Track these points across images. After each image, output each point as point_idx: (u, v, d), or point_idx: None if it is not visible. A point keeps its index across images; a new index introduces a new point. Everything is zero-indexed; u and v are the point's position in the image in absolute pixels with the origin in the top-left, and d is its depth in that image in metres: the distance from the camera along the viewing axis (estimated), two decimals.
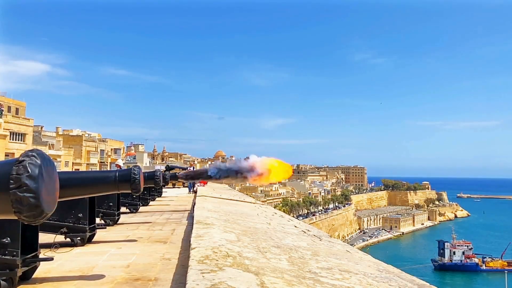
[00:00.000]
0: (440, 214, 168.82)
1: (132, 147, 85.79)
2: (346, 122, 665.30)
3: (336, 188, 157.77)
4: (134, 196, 12.25)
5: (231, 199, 14.70)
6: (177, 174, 11.48)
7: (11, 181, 2.89)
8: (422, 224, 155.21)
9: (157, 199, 17.83)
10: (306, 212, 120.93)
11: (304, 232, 7.95)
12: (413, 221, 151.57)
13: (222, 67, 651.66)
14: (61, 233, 6.33)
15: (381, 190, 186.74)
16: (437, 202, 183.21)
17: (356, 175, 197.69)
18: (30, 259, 4.29)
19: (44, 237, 5.57)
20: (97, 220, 7.93)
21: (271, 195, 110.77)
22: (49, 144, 54.63)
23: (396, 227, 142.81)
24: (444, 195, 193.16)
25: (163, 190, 20.78)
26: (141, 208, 13.27)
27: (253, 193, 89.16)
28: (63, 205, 4.89)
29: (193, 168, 22.41)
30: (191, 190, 23.06)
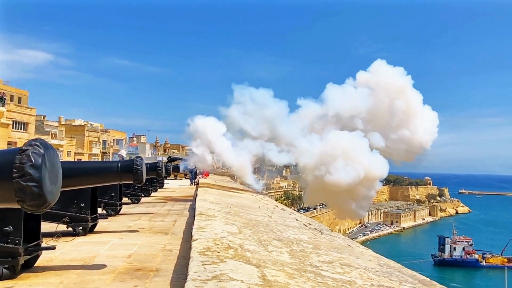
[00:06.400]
0: (441, 210, 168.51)
1: (135, 138, 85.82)
2: None
3: None
4: (136, 187, 12.28)
5: (232, 191, 14.71)
6: None
7: (14, 170, 2.90)
8: (423, 219, 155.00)
9: (159, 190, 17.87)
10: (307, 206, 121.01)
11: (305, 225, 7.96)
12: (414, 216, 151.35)
13: (225, 59, 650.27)
14: (63, 223, 6.36)
15: (382, 185, 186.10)
16: (438, 198, 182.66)
17: None
18: (32, 248, 4.31)
19: (46, 226, 5.59)
20: (99, 210, 7.95)
21: (273, 188, 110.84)
22: (51, 133, 54.71)
23: (397, 222, 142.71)
24: (446, 191, 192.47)
25: (165, 181, 20.83)
26: (143, 199, 13.31)
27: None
28: (65, 194, 4.90)
29: None
30: (193, 182, 23.08)
